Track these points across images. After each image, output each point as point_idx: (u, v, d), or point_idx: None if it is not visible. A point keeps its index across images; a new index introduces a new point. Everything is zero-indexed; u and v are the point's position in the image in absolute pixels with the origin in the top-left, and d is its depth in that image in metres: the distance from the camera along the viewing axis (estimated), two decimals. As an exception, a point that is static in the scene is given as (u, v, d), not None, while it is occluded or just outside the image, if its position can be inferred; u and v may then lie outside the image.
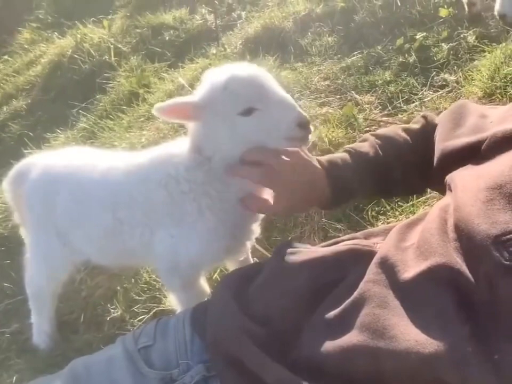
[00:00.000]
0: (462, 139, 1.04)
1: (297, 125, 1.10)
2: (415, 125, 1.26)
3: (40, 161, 1.53)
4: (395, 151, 1.22)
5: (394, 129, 1.28)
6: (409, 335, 0.79)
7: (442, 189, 1.05)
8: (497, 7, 2.45)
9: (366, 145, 1.25)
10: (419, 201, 1.79)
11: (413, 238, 0.94)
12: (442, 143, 1.09)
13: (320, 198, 1.19)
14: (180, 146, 1.25)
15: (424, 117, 1.27)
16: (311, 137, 1.14)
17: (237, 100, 1.10)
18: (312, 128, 1.13)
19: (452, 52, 2.51)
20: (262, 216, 1.34)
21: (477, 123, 1.06)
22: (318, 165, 1.18)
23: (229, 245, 1.29)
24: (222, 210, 1.22)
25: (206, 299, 1.20)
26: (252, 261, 1.57)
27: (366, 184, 1.22)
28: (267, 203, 1.19)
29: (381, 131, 1.32)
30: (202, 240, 1.24)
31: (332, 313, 0.89)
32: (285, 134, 1.11)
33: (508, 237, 0.77)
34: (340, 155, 1.24)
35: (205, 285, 1.42)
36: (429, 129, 1.22)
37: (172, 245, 1.27)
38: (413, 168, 1.21)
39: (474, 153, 0.98)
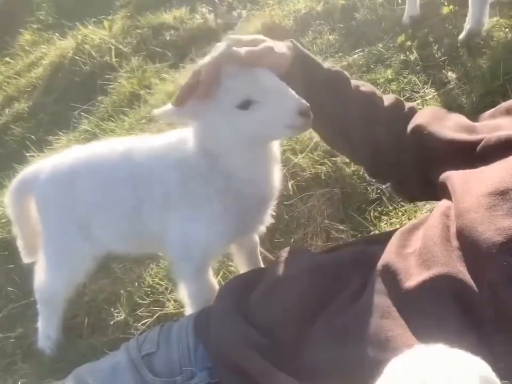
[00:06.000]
0: (456, 134, 1.02)
1: (299, 113, 1.08)
2: (387, 101, 1.21)
3: (46, 163, 1.51)
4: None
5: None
6: (412, 347, 0.78)
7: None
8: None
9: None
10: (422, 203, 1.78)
11: (415, 244, 0.93)
12: (439, 130, 1.06)
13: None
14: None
15: (397, 99, 1.22)
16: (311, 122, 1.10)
17: (232, 93, 1.08)
18: (312, 113, 1.09)
19: (453, 49, 2.50)
20: (273, 202, 1.32)
21: (460, 120, 1.05)
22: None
23: (238, 229, 1.30)
24: (228, 197, 1.23)
25: (208, 305, 1.20)
26: (261, 262, 1.58)
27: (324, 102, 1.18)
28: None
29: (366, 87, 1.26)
30: (210, 224, 1.26)
31: (334, 323, 0.88)
32: (288, 123, 1.09)
33: None
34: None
35: (214, 280, 1.42)
36: (403, 112, 1.18)
37: (183, 227, 1.28)
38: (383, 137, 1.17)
39: (469, 153, 0.98)
